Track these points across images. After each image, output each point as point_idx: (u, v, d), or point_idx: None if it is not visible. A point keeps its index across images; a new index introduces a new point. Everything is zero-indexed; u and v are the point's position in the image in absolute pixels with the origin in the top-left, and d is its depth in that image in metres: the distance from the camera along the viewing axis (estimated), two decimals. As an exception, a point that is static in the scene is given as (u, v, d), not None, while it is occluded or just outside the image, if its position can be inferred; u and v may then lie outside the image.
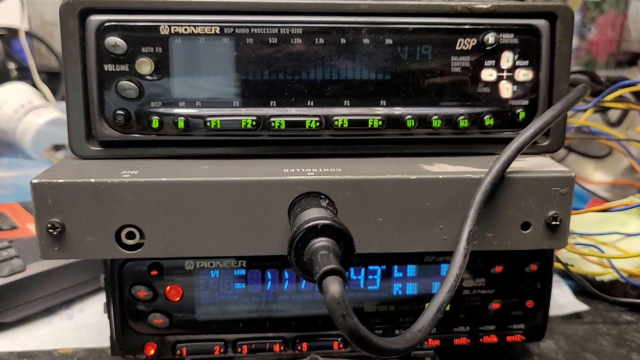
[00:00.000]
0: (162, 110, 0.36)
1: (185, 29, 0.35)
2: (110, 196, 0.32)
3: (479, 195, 0.33)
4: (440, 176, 0.34)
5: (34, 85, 1.03)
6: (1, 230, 0.52)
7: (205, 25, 0.35)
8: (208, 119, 0.35)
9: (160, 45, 0.35)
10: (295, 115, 0.36)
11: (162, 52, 0.35)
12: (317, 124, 0.36)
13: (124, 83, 0.35)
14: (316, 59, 0.36)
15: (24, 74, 1.20)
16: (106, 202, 0.32)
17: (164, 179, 0.32)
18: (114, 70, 0.35)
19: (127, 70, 0.35)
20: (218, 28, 0.35)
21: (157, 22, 0.35)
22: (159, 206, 0.33)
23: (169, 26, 0.35)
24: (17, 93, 0.81)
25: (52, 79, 1.19)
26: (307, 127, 0.36)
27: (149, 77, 0.35)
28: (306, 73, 0.36)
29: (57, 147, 0.69)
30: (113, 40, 0.34)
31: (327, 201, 0.32)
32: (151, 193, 0.32)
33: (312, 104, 0.36)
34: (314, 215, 0.29)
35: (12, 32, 1.20)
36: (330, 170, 0.34)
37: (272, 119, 0.36)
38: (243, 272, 0.38)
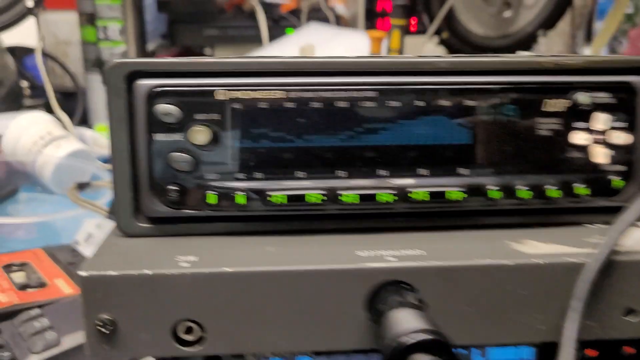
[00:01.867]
0: (219, 184, 0.32)
1: (245, 94, 0.31)
2: (167, 289, 0.29)
3: (584, 284, 0.29)
4: (538, 261, 0.30)
5: (48, 107, 1.00)
6: (29, 289, 0.49)
7: (267, 89, 0.31)
8: (270, 193, 0.32)
9: (216, 112, 0.31)
10: (367, 188, 0.32)
11: (219, 119, 0.31)
12: (392, 197, 0.32)
13: (177, 154, 0.31)
14: (390, 123, 0.32)
15: (37, 93, 1.17)
16: (162, 295, 0.29)
17: (228, 270, 0.29)
18: (165, 139, 0.31)
19: (181, 139, 0.31)
20: (282, 92, 0.31)
21: (212, 87, 0.31)
22: (222, 298, 0.29)
23: (226, 91, 0.31)
24: (36, 123, 0.78)
25: (66, 99, 1.16)
26: (380, 200, 0.32)
27: (204, 148, 0.31)
28: (379, 139, 0.32)
29: (81, 186, 0.65)
30: (165, 107, 0.31)
31: (415, 295, 0.28)
32: (213, 284, 0.29)
33: (386, 175, 0.32)
34: (412, 324, 0.25)
35: (24, 50, 1.17)
36: (412, 253, 0.30)
37: (341, 192, 0.32)
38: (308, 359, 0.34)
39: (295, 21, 1.27)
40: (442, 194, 0.32)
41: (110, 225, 0.34)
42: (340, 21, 1.32)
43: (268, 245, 0.31)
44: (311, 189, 0.32)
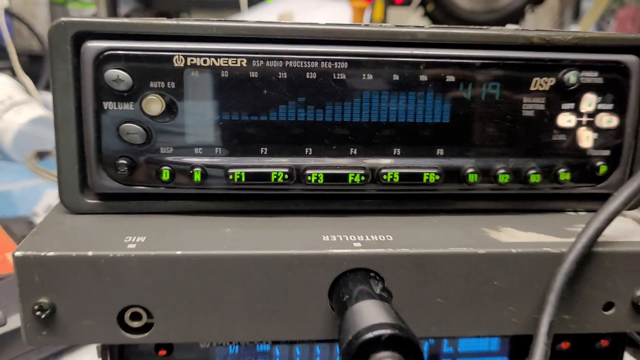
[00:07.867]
0: (173, 158, 0.29)
1: (205, 61, 0.28)
2: (112, 272, 0.26)
3: (560, 276, 0.27)
4: (513, 250, 0.28)
5: (12, 71, 0.95)
6: (-21, 263, 0.46)
7: (228, 56, 0.28)
8: (230, 170, 0.29)
9: (173, 80, 0.28)
10: (335, 167, 0.30)
11: (175, 88, 0.28)
12: (362, 177, 0.30)
13: (128, 126, 0.29)
14: (362, 98, 0.29)
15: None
16: (107, 280, 0.26)
17: (179, 253, 0.26)
18: (116, 109, 0.28)
19: (132, 109, 0.28)
20: (244, 60, 0.29)
21: (170, 52, 0.28)
22: (172, 283, 0.27)
23: (185, 57, 0.28)
24: (-4, 87, 0.74)
25: (33, 63, 1.11)
26: (349, 181, 0.30)
27: (158, 119, 0.29)
28: (350, 115, 0.30)
29: (41, 154, 0.62)
30: (115, 73, 0.28)
31: (380, 285, 0.26)
32: (163, 268, 0.26)
33: (355, 153, 0.30)
34: (373, 318, 0.23)
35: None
36: (380, 239, 0.28)
37: (307, 172, 0.30)
38: (267, 348, 0.32)
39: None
40: (416, 175, 0.30)
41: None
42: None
43: (226, 227, 0.29)
44: (275, 166, 0.29)
